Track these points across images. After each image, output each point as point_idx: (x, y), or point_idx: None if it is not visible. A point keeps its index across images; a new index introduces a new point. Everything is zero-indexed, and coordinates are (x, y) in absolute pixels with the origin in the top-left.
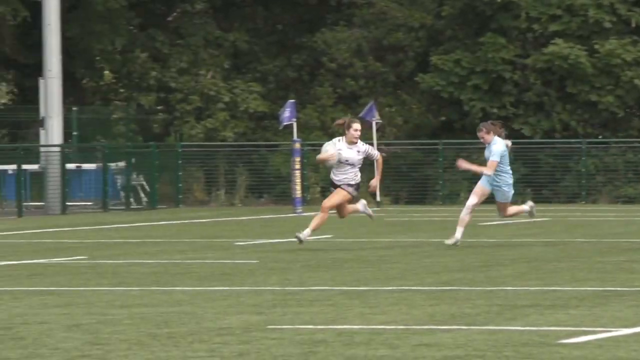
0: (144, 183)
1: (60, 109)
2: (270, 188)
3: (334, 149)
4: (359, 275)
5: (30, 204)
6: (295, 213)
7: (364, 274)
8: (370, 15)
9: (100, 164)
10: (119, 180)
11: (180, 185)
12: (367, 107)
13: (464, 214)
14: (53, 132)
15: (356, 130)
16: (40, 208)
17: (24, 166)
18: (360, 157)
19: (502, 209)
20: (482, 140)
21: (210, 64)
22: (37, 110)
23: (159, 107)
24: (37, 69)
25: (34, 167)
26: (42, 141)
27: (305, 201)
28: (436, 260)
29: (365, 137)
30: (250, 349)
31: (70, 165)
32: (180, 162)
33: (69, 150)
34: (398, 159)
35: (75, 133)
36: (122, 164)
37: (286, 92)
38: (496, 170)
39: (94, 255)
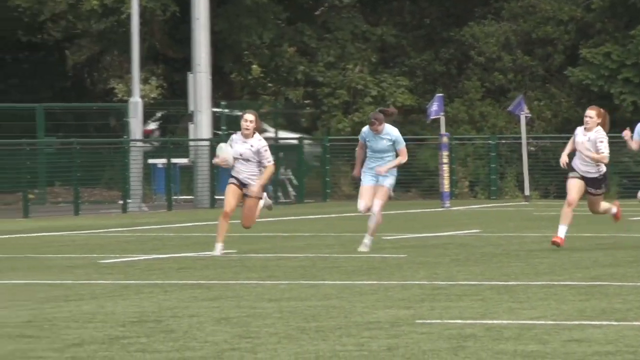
0: (292, 177)
1: (209, 103)
2: (417, 182)
3: (228, 149)
4: (508, 269)
5: (180, 197)
6: (443, 207)
7: (512, 269)
8: (518, 9)
9: None
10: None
11: (327, 179)
12: (516, 101)
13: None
14: (202, 126)
15: (246, 120)
16: (189, 202)
17: (174, 160)
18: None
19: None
20: (375, 132)
21: (357, 58)
22: (186, 104)
23: (306, 101)
24: (186, 63)
25: (184, 161)
26: (191, 135)
27: (452, 195)
28: (586, 255)
29: (514, 130)
30: (399, 343)
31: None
32: (327, 156)
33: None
34: (547, 152)
35: (224, 127)
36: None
37: (434, 86)
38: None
39: (243, 249)
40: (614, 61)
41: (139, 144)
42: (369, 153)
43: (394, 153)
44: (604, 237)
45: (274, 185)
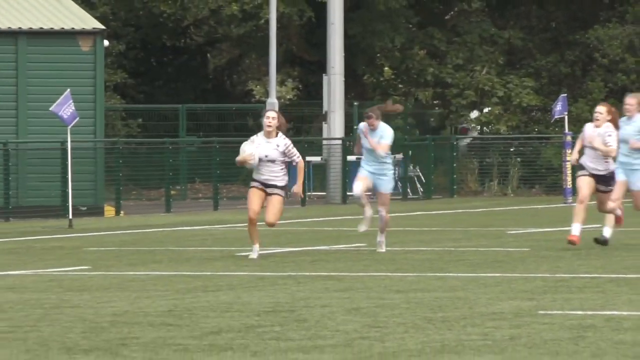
0: (420, 174)
1: (342, 104)
2: (541, 179)
3: (251, 147)
4: (628, 263)
5: (313, 193)
6: (565, 203)
7: (633, 262)
8: None
9: None
10: (397, 172)
11: (454, 176)
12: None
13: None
14: (335, 126)
15: (268, 118)
16: (322, 198)
17: (308, 158)
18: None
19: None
20: (372, 127)
21: (485, 60)
22: (320, 105)
23: (435, 102)
24: (320, 66)
25: (317, 159)
26: (325, 134)
27: (575, 192)
28: None
29: None
30: (521, 333)
31: (351, 158)
32: (455, 154)
33: (350, 143)
34: None
35: (356, 127)
36: (399, 156)
37: (558, 87)
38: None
39: (373, 243)
40: None
41: None
42: (363, 151)
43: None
44: None
45: (403, 182)
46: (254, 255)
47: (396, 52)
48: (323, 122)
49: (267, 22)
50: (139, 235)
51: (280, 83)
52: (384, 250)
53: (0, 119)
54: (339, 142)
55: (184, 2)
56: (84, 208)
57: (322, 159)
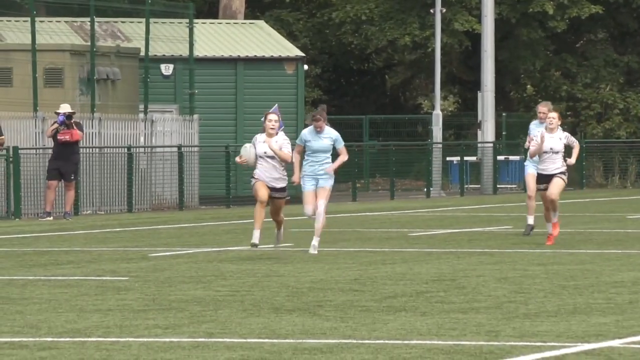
0: None
1: (493, 115)
2: None
3: (249, 152)
4: None
5: (470, 186)
6: None
7: None
8: None
9: (522, 156)
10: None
11: (584, 172)
12: None
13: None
14: (487, 132)
15: (270, 121)
16: (477, 189)
17: (465, 158)
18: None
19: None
20: (319, 130)
21: (608, 80)
22: (475, 116)
23: (568, 113)
24: (476, 84)
25: (473, 158)
26: (479, 139)
27: None
28: None
29: None
30: (639, 297)
31: (500, 157)
32: (584, 154)
33: (499, 145)
34: None
35: (504, 133)
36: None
37: None
38: None
39: (518, 225)
40: None
41: (439, 145)
42: (307, 155)
43: (332, 153)
44: None
45: None
46: (255, 240)
47: (536, 73)
48: (478, 129)
49: (433, 50)
50: (331, 219)
51: (444, 98)
52: (315, 252)
53: (223, 127)
54: (491, 144)
55: (367, 34)
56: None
57: (477, 158)
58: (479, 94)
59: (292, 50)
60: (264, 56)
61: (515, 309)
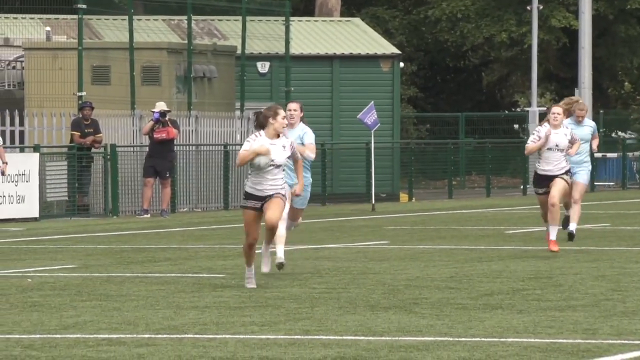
0: None
1: (590, 111)
2: None
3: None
4: None
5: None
6: None
7: None
8: None
9: (620, 153)
10: (635, 165)
11: None
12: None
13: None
14: None
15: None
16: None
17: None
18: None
19: None
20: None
21: None
22: None
23: None
24: (573, 81)
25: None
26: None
27: None
28: None
29: None
30: None
31: (597, 154)
32: None
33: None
34: None
35: (601, 130)
36: (637, 153)
37: None
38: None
39: (617, 223)
40: None
41: None
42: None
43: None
44: None
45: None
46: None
47: (634, 70)
48: None
49: (530, 46)
50: (427, 216)
51: (540, 95)
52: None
53: (319, 125)
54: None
55: (464, 32)
56: (384, 195)
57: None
58: (576, 91)
59: (387, 48)
60: (359, 54)
61: (613, 306)
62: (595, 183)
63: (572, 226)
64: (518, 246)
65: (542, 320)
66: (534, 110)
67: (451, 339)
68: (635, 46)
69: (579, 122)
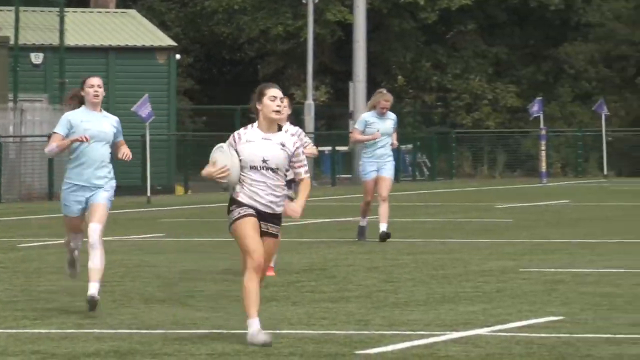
0: (427, 160)
1: (364, 105)
2: (522, 164)
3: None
4: (590, 230)
5: (341, 176)
6: (541, 183)
7: (593, 230)
8: (602, 33)
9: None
10: (408, 158)
11: (453, 162)
12: (598, 102)
13: None
14: None
15: (275, 99)
16: (348, 179)
17: (337, 147)
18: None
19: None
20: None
21: (477, 71)
22: (347, 106)
23: (438, 103)
24: (347, 75)
25: (344, 148)
26: (351, 129)
27: (549, 174)
28: None
29: (597, 125)
30: (506, 286)
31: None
32: (454, 144)
33: None
34: (621, 141)
35: None
36: (410, 146)
37: (535, 92)
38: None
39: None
40: None
41: (311, 135)
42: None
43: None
44: None
45: (412, 167)
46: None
47: (407, 64)
48: (349, 119)
49: (305, 40)
50: (203, 209)
51: (316, 88)
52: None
53: None
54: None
55: (240, 24)
56: (159, 187)
57: (348, 148)
58: (351, 85)
59: (164, 40)
60: (135, 45)
61: (385, 298)
62: None
63: (384, 226)
64: (293, 238)
65: (316, 312)
66: (309, 103)
67: (226, 332)
68: (408, 40)
69: (382, 114)
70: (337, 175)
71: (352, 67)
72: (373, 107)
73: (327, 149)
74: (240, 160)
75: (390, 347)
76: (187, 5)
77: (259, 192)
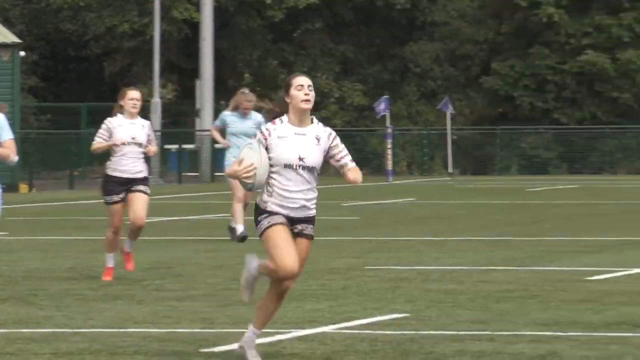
0: None
1: (211, 103)
2: (368, 162)
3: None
4: (435, 228)
5: (188, 174)
6: (387, 182)
7: (439, 228)
8: (446, 32)
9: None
10: None
11: None
12: (443, 101)
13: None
14: (205, 120)
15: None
16: (195, 177)
17: (184, 145)
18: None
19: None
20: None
21: (324, 69)
22: (193, 103)
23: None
24: (194, 73)
25: (191, 146)
26: (197, 127)
27: (394, 172)
28: (492, 217)
29: (442, 123)
30: (352, 284)
31: (219, 145)
32: None
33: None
34: (466, 140)
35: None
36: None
37: (382, 90)
38: None
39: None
40: (517, 72)
41: (158, 133)
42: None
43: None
44: (505, 203)
45: None
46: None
47: (254, 62)
48: (196, 117)
49: (152, 37)
50: (48, 207)
51: (162, 86)
52: None
53: None
54: (208, 133)
55: (85, 21)
56: (4, 186)
57: (195, 146)
58: (197, 82)
59: (7, 37)
60: None
61: (231, 296)
62: (216, 174)
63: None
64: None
65: (161, 310)
66: (156, 101)
67: (70, 331)
68: (255, 38)
69: (244, 114)
70: (184, 173)
71: (199, 64)
72: (235, 107)
73: (174, 146)
74: (270, 158)
75: (235, 345)
76: (32, 1)
77: (292, 195)
